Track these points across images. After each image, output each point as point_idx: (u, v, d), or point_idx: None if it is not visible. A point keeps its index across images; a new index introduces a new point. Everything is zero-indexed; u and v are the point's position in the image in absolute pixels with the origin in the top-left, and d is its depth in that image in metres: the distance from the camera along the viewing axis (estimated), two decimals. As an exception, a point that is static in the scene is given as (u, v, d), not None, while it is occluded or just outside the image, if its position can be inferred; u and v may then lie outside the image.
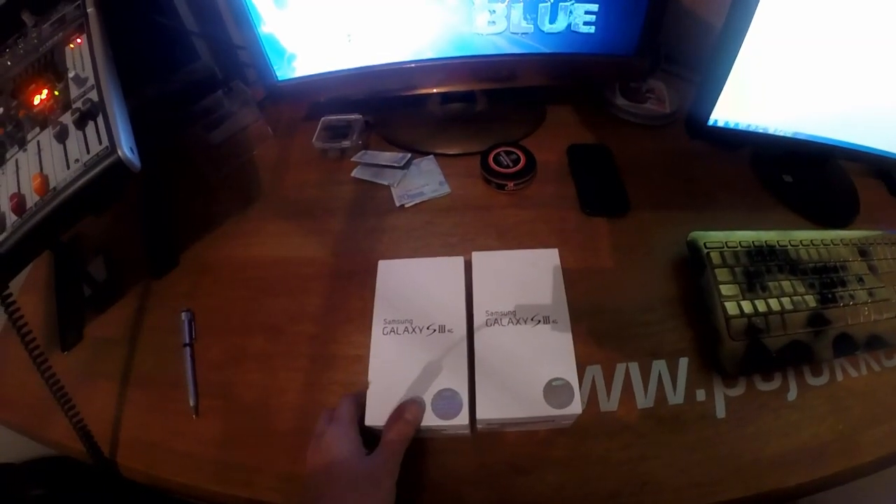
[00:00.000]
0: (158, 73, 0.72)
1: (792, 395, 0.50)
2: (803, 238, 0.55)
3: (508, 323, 0.47)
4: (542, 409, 0.42)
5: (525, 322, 0.47)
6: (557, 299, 0.48)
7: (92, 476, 0.52)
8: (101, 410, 0.52)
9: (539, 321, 0.46)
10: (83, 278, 0.63)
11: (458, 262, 0.51)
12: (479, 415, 0.42)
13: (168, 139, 0.72)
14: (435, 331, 0.47)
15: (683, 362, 0.51)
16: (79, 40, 0.53)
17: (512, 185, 0.66)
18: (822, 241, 0.55)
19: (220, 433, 0.50)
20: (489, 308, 0.48)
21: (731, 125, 0.60)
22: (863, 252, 0.55)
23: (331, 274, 0.60)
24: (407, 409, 0.42)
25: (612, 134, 0.73)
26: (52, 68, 0.53)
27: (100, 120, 0.47)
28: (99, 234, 0.68)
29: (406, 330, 0.47)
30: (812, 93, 0.55)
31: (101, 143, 0.46)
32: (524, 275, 0.50)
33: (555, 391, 0.42)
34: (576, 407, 0.42)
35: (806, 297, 0.51)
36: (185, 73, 0.74)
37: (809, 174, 0.65)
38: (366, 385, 0.44)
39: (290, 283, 0.60)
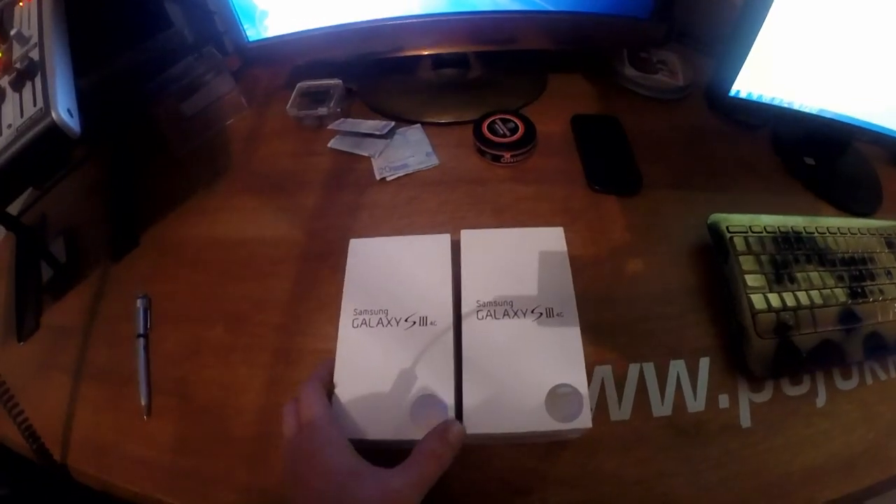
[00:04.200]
0: (128, 43, 0.68)
1: (821, 400, 0.45)
2: (830, 225, 0.51)
3: (504, 315, 0.40)
4: (545, 423, 0.35)
5: (524, 315, 0.40)
6: (563, 287, 0.41)
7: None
8: (55, 407, 0.48)
9: (541, 314, 0.40)
10: (46, 261, 0.58)
11: (444, 240, 0.44)
12: (468, 428, 0.36)
13: (137, 111, 0.68)
14: (415, 323, 0.40)
15: (704, 363, 0.46)
16: (29, -1, 0.48)
17: (509, 156, 0.60)
18: (849, 229, 0.51)
19: (175, 436, 0.46)
20: (481, 297, 0.41)
21: (755, 97, 0.57)
22: (890, 244, 0.52)
23: (301, 255, 0.55)
24: (450, 430, 0.34)
25: (619, 106, 0.68)
26: (-1, 30, 0.48)
27: (38, 80, 0.43)
28: (62, 214, 0.64)
29: (380, 322, 0.40)
30: (842, 68, 0.51)
31: (35, 104, 0.42)
32: (523, 257, 0.43)
33: (560, 400, 0.36)
34: (585, 419, 0.35)
35: (836, 290, 0.47)
36: (157, 40, 0.70)
37: (831, 158, 0.62)
38: (332, 387, 0.38)
39: (256, 265, 0.55)
